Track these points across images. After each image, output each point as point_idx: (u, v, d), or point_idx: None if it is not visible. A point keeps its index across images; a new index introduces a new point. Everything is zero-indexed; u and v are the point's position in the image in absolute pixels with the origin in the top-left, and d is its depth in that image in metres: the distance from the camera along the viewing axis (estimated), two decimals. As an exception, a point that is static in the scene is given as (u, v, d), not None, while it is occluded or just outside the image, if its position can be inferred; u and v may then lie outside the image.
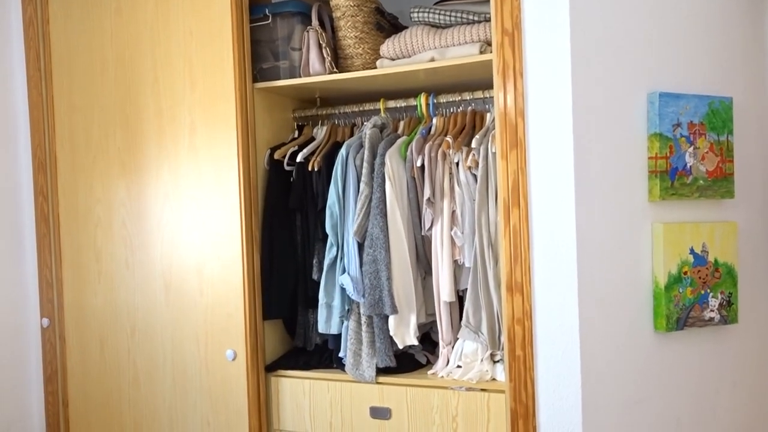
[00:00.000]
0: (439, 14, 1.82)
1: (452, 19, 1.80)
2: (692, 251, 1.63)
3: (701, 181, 1.64)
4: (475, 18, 1.78)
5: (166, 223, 2.01)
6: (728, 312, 1.68)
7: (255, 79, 1.98)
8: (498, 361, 1.78)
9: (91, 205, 2.11)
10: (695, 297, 1.64)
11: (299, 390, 1.94)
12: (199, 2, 1.93)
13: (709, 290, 1.66)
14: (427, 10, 1.84)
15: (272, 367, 1.98)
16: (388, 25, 2.01)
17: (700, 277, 1.64)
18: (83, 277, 2.13)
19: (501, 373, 1.74)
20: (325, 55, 1.93)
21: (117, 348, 2.09)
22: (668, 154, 1.60)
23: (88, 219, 2.12)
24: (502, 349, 1.70)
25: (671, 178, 1.61)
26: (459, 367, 1.81)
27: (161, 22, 1.98)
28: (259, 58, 2.01)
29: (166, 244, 2.02)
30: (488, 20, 1.74)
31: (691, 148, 1.63)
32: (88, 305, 2.13)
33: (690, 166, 1.63)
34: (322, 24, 1.98)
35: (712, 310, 1.66)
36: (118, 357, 2.09)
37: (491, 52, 1.64)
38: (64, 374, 2.18)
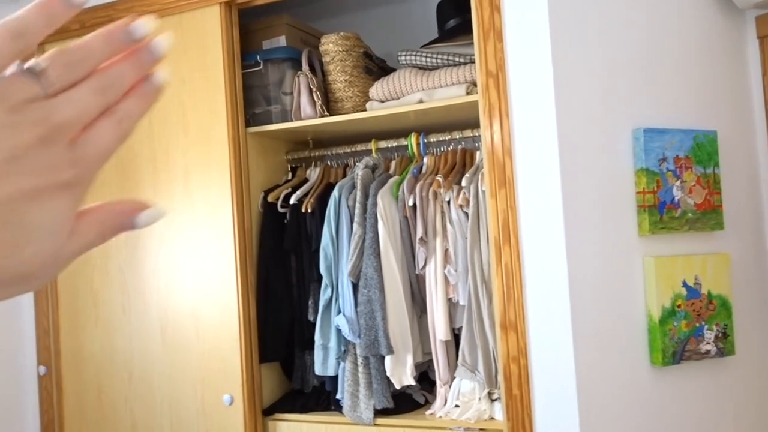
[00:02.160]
0: (426, 57, 1.86)
1: (439, 61, 1.84)
2: (685, 284, 1.63)
3: (690, 214, 1.66)
4: (461, 60, 1.82)
5: (162, 267, 2.02)
6: (725, 344, 1.67)
7: (248, 124, 2.02)
8: (496, 400, 1.76)
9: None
10: (690, 330, 1.63)
11: (297, 434, 1.93)
12: (192, 51, 1.97)
13: (704, 323, 1.65)
14: (414, 53, 1.87)
15: (270, 411, 1.97)
16: (377, 69, 2.05)
17: (694, 310, 1.64)
18: (80, 323, 2.14)
19: (499, 412, 1.73)
20: (315, 99, 1.96)
21: (114, 395, 2.08)
22: (656, 189, 1.61)
23: (84, 265, 2.13)
24: (500, 388, 1.69)
25: (660, 212, 1.62)
26: (457, 406, 1.80)
27: (155, 71, 2.02)
28: (252, 103, 2.05)
29: (162, 288, 2.02)
30: (473, 62, 1.78)
31: (679, 181, 1.64)
32: (86, 351, 2.13)
33: (678, 200, 1.64)
34: (312, 69, 2.02)
35: (708, 343, 1.65)
36: (115, 404, 2.08)
37: (477, 92, 1.67)
38: (61, 422, 2.16)
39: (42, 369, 2.18)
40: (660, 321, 1.60)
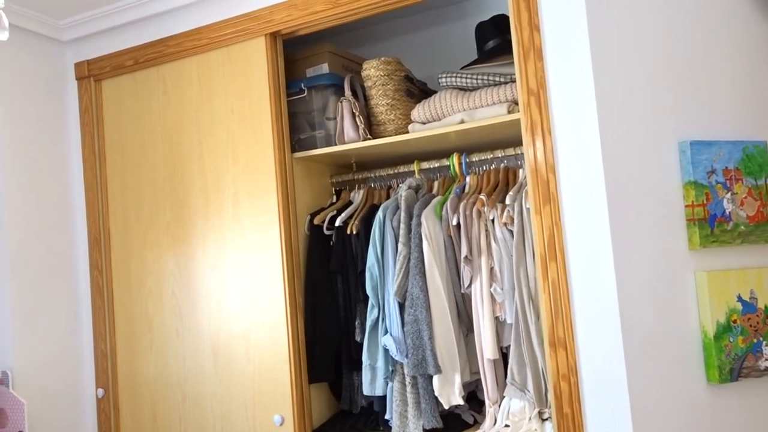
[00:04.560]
0: (467, 78, 1.88)
1: (479, 81, 1.87)
2: (740, 299, 1.59)
3: (742, 227, 1.62)
4: (502, 80, 1.84)
5: (213, 291, 2.08)
6: (785, 360, 1.62)
7: (293, 150, 2.08)
8: (547, 419, 1.74)
9: (142, 277, 2.20)
10: (747, 346, 1.59)
11: (347, 454, 1.93)
12: (240, 81, 2.05)
13: (761, 338, 1.60)
14: (454, 74, 1.91)
15: (319, 432, 1.99)
16: (418, 91, 2.08)
17: (750, 325, 1.60)
18: (136, 347, 2.21)
19: (550, 431, 1.70)
20: (358, 123, 2.01)
21: (168, 417, 2.14)
22: (705, 202, 1.59)
23: (140, 290, 2.21)
24: (550, 407, 1.67)
25: (711, 226, 1.59)
26: (507, 426, 1.78)
27: (205, 101, 2.11)
28: (297, 129, 2.11)
29: (214, 311, 2.08)
30: (514, 81, 1.80)
31: (729, 194, 1.62)
32: (141, 374, 2.20)
33: (729, 212, 1.61)
34: (354, 94, 2.07)
35: (767, 359, 1.60)
36: (169, 426, 2.14)
37: (519, 111, 1.69)
38: (119, 444, 2.23)
39: (100, 392, 2.25)
40: (715, 337, 1.56)
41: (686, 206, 1.60)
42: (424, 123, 1.95)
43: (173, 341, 2.14)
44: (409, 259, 1.88)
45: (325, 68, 2.11)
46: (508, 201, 1.81)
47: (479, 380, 1.88)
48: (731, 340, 1.57)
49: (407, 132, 1.98)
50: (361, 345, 1.96)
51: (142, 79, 2.23)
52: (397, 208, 1.96)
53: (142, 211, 2.21)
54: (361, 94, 2.09)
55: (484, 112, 1.83)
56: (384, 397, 1.93)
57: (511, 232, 1.79)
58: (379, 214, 1.96)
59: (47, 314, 2.21)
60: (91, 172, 2.31)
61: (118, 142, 2.28)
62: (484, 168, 2.00)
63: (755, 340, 1.60)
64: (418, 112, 1.95)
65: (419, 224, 1.88)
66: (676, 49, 1.64)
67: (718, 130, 1.64)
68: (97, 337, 2.28)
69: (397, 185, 2.14)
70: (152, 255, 2.19)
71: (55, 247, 2.26)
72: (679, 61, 1.64)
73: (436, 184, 2.07)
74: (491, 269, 1.82)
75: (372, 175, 2.19)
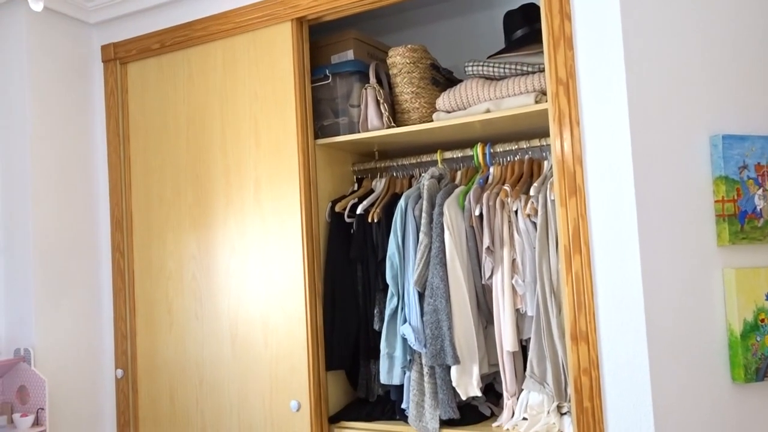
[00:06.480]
0: (494, 67, 1.86)
1: (506, 71, 1.84)
2: (768, 297, 1.56)
3: (773, 224, 1.58)
4: (529, 69, 1.81)
5: (233, 275, 2.09)
6: (813, 361, 1.58)
7: (316, 136, 2.07)
8: (565, 413, 1.72)
9: (164, 259, 2.22)
10: (775, 346, 1.56)
11: (362, 442, 1.93)
12: (264, 67, 2.05)
13: (789, 338, 1.57)
14: (481, 63, 1.88)
15: (335, 419, 1.99)
16: (444, 80, 2.06)
17: (779, 325, 1.57)
18: (155, 328, 2.22)
19: (569, 425, 1.68)
20: (382, 111, 2.00)
21: (186, 399, 2.15)
22: (735, 197, 1.56)
23: (160, 273, 2.22)
24: (569, 401, 1.65)
25: (741, 222, 1.56)
26: (525, 419, 1.76)
27: (229, 86, 2.11)
28: (320, 115, 2.10)
29: (233, 296, 2.08)
30: (542, 71, 1.77)
31: (760, 190, 1.58)
32: (160, 356, 2.21)
33: (760, 209, 1.58)
34: (379, 81, 2.05)
35: (794, 360, 1.57)
36: (187, 408, 2.15)
37: (546, 101, 1.66)
38: (136, 424, 2.25)
39: (119, 372, 2.28)
40: (741, 335, 1.53)
41: (716, 201, 1.56)
42: (448, 112, 1.94)
43: (192, 324, 2.15)
44: (430, 249, 1.87)
45: (350, 55, 2.10)
46: (532, 192, 1.79)
47: (497, 372, 1.87)
48: (758, 339, 1.54)
49: (431, 121, 1.96)
50: (379, 333, 1.96)
51: (167, 63, 2.24)
52: (419, 197, 1.95)
53: (165, 193, 2.22)
54: (385, 82, 2.08)
55: (510, 101, 1.81)
56: (401, 387, 1.92)
57: (535, 223, 1.77)
58: (401, 202, 1.95)
59: (69, 294, 2.23)
60: (114, 154, 2.32)
61: (142, 125, 2.29)
62: (509, 159, 1.98)
63: (783, 340, 1.56)
64: (443, 100, 1.93)
65: (441, 214, 1.86)
66: (710, 41, 1.60)
67: (751, 124, 1.61)
68: (118, 318, 2.30)
69: (420, 174, 2.12)
70: (173, 238, 2.20)
71: (78, 228, 2.28)
72: (713, 53, 1.60)
73: (459, 174, 2.06)
74: (513, 261, 1.80)
75: (394, 163, 2.17)
